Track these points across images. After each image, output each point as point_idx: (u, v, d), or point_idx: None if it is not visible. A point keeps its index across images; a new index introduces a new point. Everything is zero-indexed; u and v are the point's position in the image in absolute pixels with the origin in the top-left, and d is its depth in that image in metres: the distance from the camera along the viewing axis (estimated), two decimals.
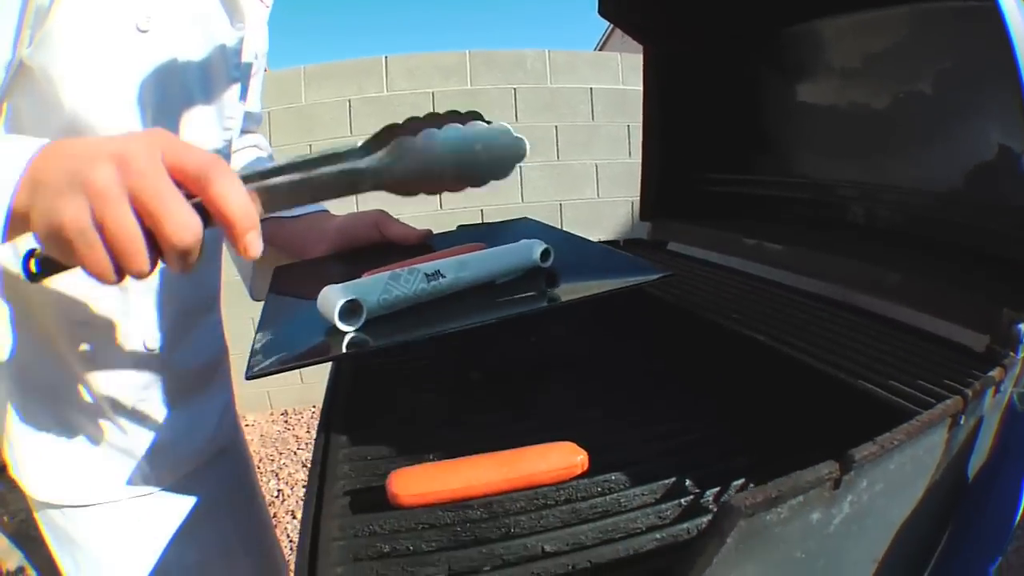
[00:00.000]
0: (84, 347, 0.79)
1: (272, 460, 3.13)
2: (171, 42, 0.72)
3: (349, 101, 3.34)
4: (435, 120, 0.58)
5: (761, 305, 0.87)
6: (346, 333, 0.63)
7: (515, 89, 3.67)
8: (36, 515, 0.88)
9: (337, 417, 0.73)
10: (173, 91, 0.75)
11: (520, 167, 3.53)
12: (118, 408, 0.83)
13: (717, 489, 0.53)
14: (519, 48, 3.73)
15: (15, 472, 0.86)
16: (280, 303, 0.79)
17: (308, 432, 3.40)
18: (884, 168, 0.97)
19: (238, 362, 0.82)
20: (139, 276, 0.48)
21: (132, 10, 0.67)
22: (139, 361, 0.83)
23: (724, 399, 0.70)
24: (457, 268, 0.73)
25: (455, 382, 0.83)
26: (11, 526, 2.13)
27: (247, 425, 3.38)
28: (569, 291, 0.76)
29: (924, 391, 0.55)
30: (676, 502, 0.51)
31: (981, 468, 0.61)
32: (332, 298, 0.63)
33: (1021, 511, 0.59)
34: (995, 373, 0.57)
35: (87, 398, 0.82)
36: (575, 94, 3.78)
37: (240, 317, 3.22)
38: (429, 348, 0.93)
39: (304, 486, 2.85)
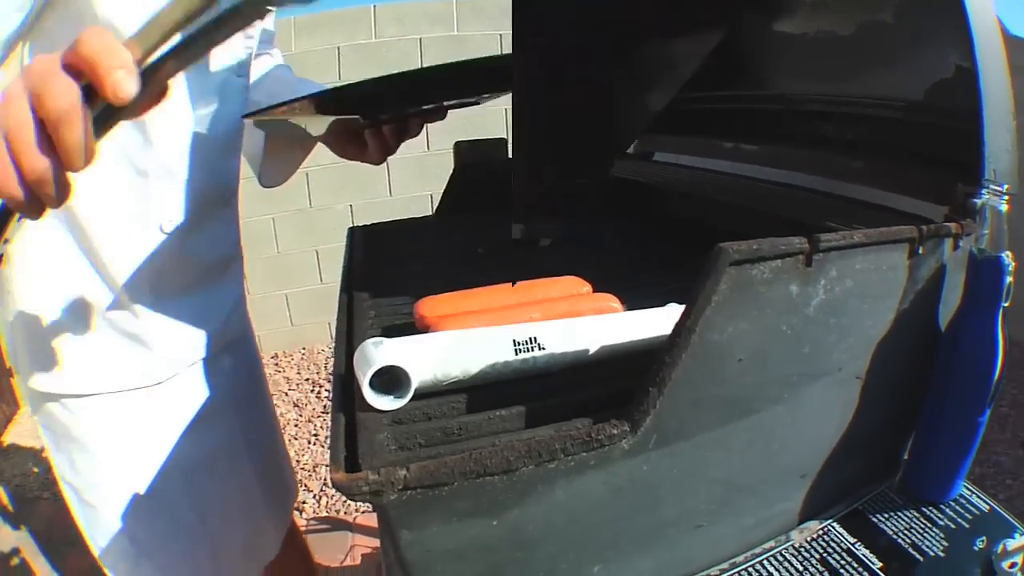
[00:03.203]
0: (100, 228, 0.80)
1: None
2: None
3: (338, 48, 3.36)
4: None
5: (738, 189, 0.96)
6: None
7: (501, 35, 3.68)
8: (36, 418, 0.88)
9: (356, 281, 0.80)
10: None
11: (505, 109, 3.56)
12: (132, 292, 0.84)
13: None
14: None
15: (13, 361, 0.87)
16: None
17: (298, 373, 3.44)
18: (848, 86, 1.04)
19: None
20: (33, 176, 0.47)
21: None
22: (156, 245, 0.84)
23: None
24: (564, 337, 0.56)
25: (463, 255, 0.90)
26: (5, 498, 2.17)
27: None
28: None
29: None
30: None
31: (952, 317, 0.68)
32: (366, 361, 0.51)
33: (1002, 357, 0.64)
34: (952, 226, 0.65)
35: (100, 282, 0.83)
36: None
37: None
38: (438, 230, 1.02)
39: (296, 425, 2.93)
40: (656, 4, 0.80)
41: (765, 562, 0.60)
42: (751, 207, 0.80)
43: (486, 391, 0.53)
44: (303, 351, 3.69)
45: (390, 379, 0.50)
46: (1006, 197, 0.64)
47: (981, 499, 0.70)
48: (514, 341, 0.53)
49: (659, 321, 0.60)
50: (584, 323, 0.58)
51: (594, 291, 0.69)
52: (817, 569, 0.59)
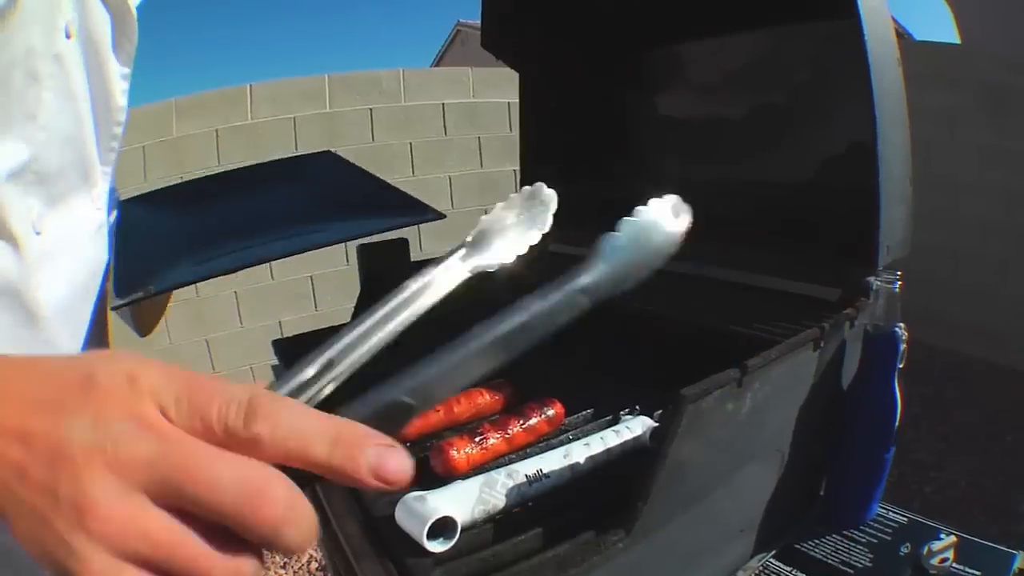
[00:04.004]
0: None
1: None
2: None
3: (216, 131, 3.37)
4: None
5: (650, 287, 1.08)
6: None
7: (371, 110, 3.78)
8: None
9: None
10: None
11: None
12: None
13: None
14: (375, 69, 3.86)
15: None
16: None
17: None
18: (738, 168, 1.17)
19: None
20: None
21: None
22: None
23: (629, 363, 0.91)
24: (562, 463, 0.70)
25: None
26: None
27: None
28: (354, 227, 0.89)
29: (792, 331, 0.76)
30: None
31: (852, 381, 0.81)
32: (418, 516, 0.59)
33: (900, 408, 0.78)
34: (849, 311, 0.80)
35: None
36: (428, 110, 3.92)
37: None
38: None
39: None
40: None
41: None
42: (656, 315, 0.93)
43: (502, 521, 0.64)
44: None
45: (435, 526, 0.58)
46: (899, 282, 0.75)
47: (898, 513, 0.83)
48: (526, 476, 0.66)
49: (625, 435, 0.74)
50: (574, 449, 0.71)
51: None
52: None
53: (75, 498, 0.28)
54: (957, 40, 5.56)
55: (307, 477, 0.31)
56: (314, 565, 2.56)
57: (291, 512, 0.30)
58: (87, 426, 0.29)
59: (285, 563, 2.59)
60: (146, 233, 0.92)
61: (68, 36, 0.59)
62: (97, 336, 0.73)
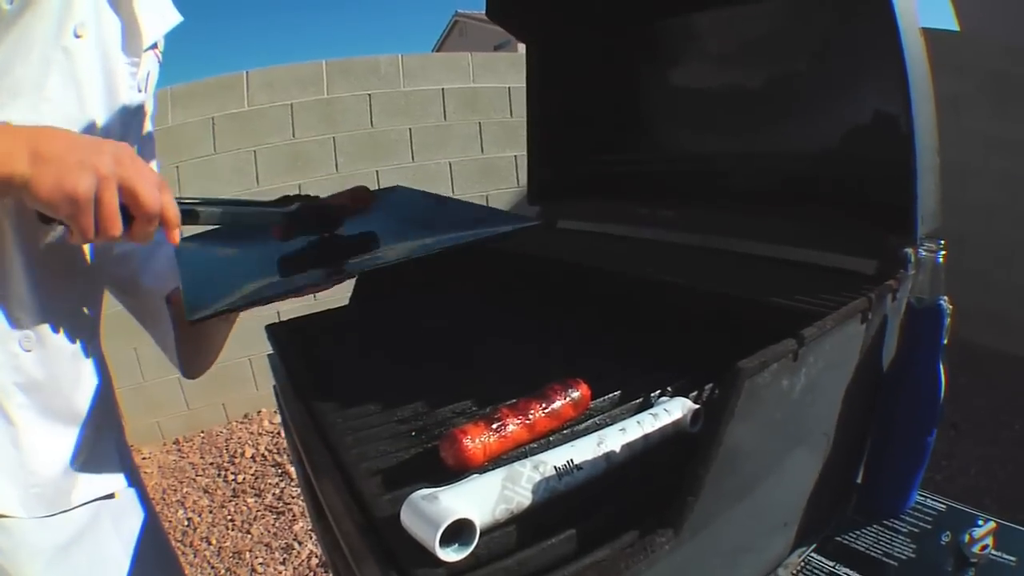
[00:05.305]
0: None
1: (175, 490, 3.04)
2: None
3: (212, 119, 3.30)
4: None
5: (672, 259, 1.03)
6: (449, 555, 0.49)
7: (370, 95, 3.72)
8: None
9: (304, 388, 0.84)
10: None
11: (377, 171, 3.58)
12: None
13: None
14: (373, 55, 3.79)
15: None
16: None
17: (202, 458, 3.33)
18: (760, 139, 1.12)
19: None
20: (111, 238, 0.66)
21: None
22: None
23: (654, 341, 0.85)
24: (595, 452, 0.59)
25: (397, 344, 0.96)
26: None
27: (143, 458, 3.26)
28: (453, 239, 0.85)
29: (836, 304, 0.69)
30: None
31: (895, 358, 0.77)
32: (429, 519, 0.49)
33: (944, 387, 0.74)
34: (891, 283, 0.75)
35: None
36: (428, 96, 3.86)
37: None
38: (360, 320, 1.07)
39: (210, 511, 2.81)
40: None
41: None
42: (692, 288, 0.86)
43: (527, 522, 0.54)
44: (202, 435, 3.57)
45: (450, 530, 0.48)
46: (943, 252, 0.71)
47: (936, 500, 0.79)
48: (555, 468, 0.55)
49: (664, 419, 0.65)
50: (608, 435, 0.61)
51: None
52: None
53: (101, 145, 0.65)
54: (956, 28, 5.55)
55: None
56: (315, 561, 2.50)
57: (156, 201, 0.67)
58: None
59: (284, 559, 2.53)
60: (210, 262, 0.96)
61: (77, 36, 0.75)
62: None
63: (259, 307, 0.80)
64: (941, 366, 0.74)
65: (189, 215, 0.75)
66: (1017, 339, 3.60)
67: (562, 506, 0.55)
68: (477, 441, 0.59)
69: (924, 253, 0.73)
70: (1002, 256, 3.70)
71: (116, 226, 0.65)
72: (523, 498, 0.53)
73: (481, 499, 0.51)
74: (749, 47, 1.13)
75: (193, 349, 0.98)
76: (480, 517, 0.50)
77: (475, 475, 0.56)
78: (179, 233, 0.72)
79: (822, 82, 1.00)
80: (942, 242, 0.73)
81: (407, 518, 0.50)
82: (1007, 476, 2.66)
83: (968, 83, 3.65)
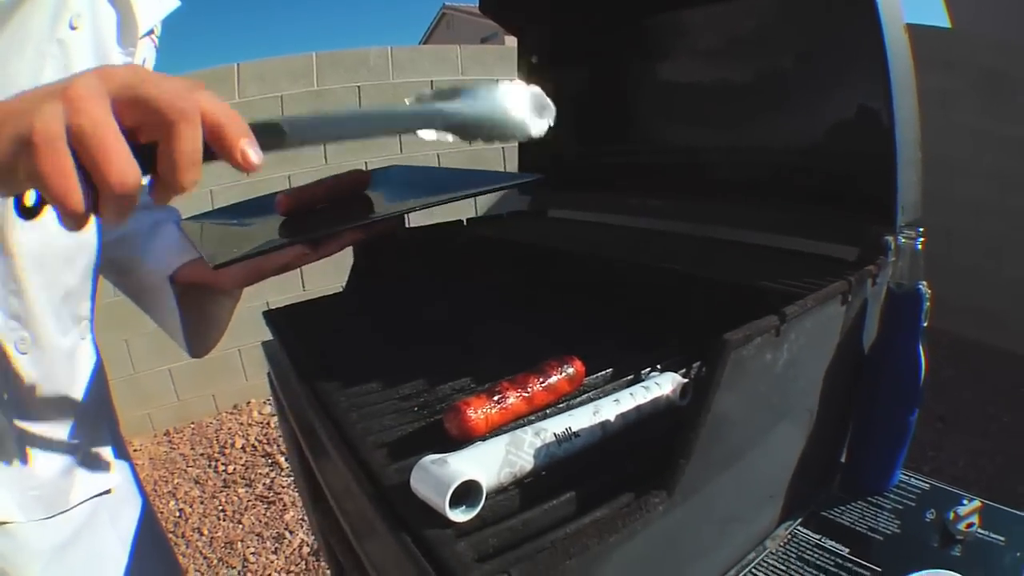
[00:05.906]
0: None
1: (166, 481, 3.06)
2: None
3: None
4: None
5: (661, 247, 1.06)
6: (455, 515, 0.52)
7: (359, 87, 3.74)
8: None
9: (306, 370, 0.85)
10: None
11: (366, 162, 3.59)
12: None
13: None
14: (363, 47, 3.80)
15: None
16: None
17: (192, 449, 3.35)
18: (748, 132, 1.15)
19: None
20: (74, 217, 0.43)
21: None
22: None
23: (644, 323, 0.89)
24: (592, 421, 0.63)
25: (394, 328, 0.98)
26: None
27: (135, 450, 3.27)
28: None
29: (817, 286, 0.72)
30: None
31: (875, 340, 0.80)
32: (439, 481, 0.52)
33: (925, 368, 0.76)
34: (871, 268, 0.78)
35: None
36: (417, 87, 3.86)
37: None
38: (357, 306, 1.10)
39: (201, 502, 2.83)
40: None
41: (754, 570, 0.70)
42: (684, 274, 0.89)
43: (529, 486, 0.58)
44: (193, 426, 3.59)
45: (458, 492, 0.51)
46: (922, 239, 0.74)
47: (919, 480, 0.82)
48: (555, 434, 0.59)
49: (655, 392, 0.69)
50: (603, 406, 0.65)
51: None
52: (798, 566, 0.69)
53: (65, 83, 0.43)
54: (947, 25, 5.60)
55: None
56: (306, 550, 2.52)
57: (129, 177, 0.43)
58: (91, 73, 0.44)
59: (276, 548, 2.55)
60: (218, 230, 0.95)
61: (73, 28, 0.72)
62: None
63: (256, 285, 0.88)
64: (921, 348, 0.76)
65: (266, 130, 0.52)
66: (1005, 333, 3.66)
67: (561, 472, 0.59)
68: (480, 412, 0.63)
69: (904, 240, 0.75)
70: (991, 251, 3.75)
71: (72, 197, 0.42)
72: (525, 462, 0.57)
73: (487, 463, 0.55)
74: (737, 42, 1.15)
75: (200, 327, 0.99)
76: (486, 479, 0.54)
77: (480, 442, 0.60)
78: (255, 155, 0.50)
79: (808, 77, 1.03)
80: (921, 230, 0.75)
81: (417, 481, 0.54)
82: (995, 468, 2.70)
83: (959, 79, 3.69)
